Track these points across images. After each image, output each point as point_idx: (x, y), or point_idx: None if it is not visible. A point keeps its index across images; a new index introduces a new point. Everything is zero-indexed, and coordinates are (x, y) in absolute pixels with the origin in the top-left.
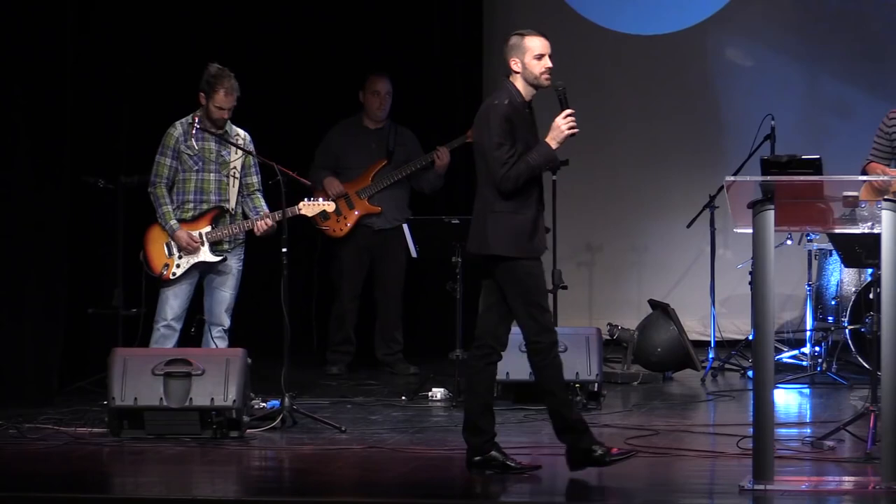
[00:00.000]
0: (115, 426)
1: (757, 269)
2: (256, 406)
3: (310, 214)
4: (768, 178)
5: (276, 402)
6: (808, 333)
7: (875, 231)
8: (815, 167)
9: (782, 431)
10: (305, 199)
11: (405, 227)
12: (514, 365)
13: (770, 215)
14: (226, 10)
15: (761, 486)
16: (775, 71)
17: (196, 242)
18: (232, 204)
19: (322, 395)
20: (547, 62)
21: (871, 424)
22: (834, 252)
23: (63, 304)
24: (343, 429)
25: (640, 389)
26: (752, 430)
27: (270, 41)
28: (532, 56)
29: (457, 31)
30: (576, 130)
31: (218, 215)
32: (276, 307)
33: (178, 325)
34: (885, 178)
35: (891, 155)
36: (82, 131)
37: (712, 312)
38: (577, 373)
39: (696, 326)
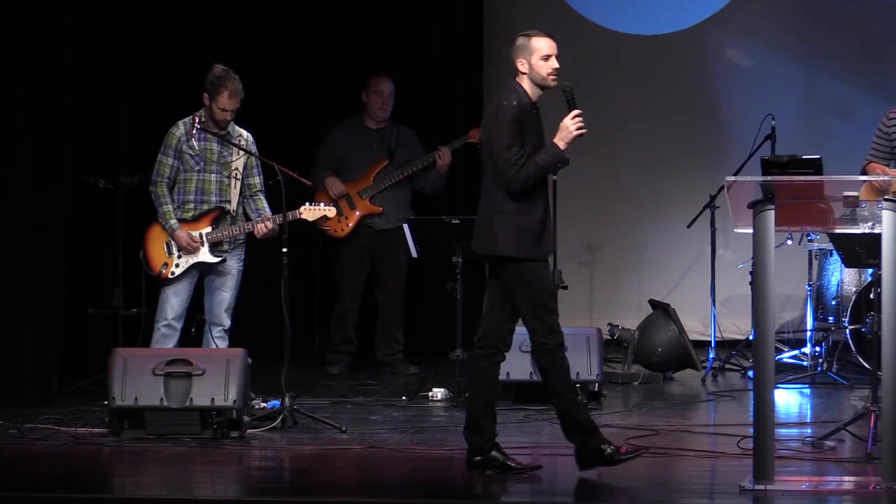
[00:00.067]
0: (116, 426)
1: (757, 269)
2: (257, 406)
3: (311, 219)
4: (769, 178)
5: (276, 402)
6: (809, 333)
7: (875, 231)
8: (816, 167)
9: (783, 431)
10: (307, 204)
11: (405, 227)
12: (515, 365)
13: (770, 215)
14: (226, 10)
15: (762, 487)
16: (775, 71)
17: (196, 243)
18: (233, 205)
19: (322, 395)
20: (554, 63)
21: (871, 424)
22: (834, 252)
23: (63, 304)
24: (343, 429)
25: (640, 389)
26: (752, 430)
27: (270, 41)
28: (539, 57)
29: (457, 31)
30: (584, 131)
31: (219, 216)
32: (276, 307)
33: (178, 325)
34: (886, 178)
35: (890, 155)
36: (82, 131)
37: (713, 312)
38: (578, 373)
39: (696, 326)
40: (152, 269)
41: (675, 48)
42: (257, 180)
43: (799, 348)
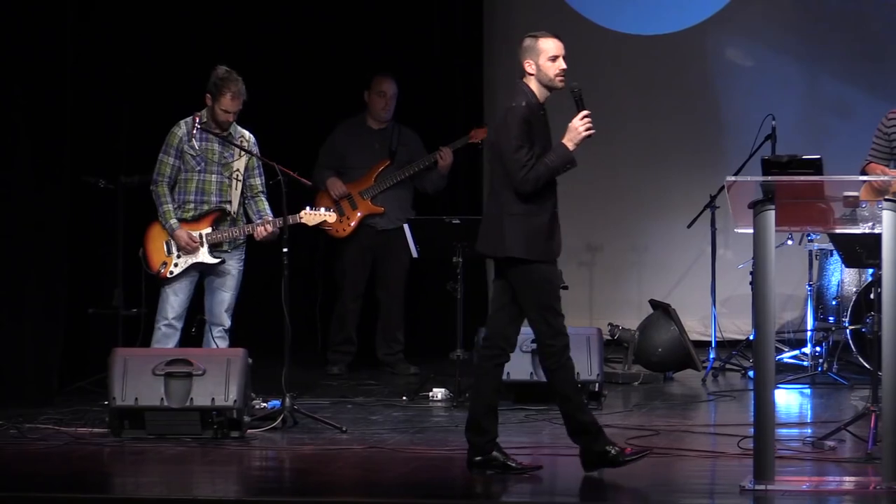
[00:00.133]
0: (116, 426)
1: (758, 269)
2: (257, 406)
3: (310, 224)
4: (769, 178)
5: (276, 403)
6: (809, 333)
7: (876, 231)
8: (816, 167)
9: (783, 431)
10: (307, 208)
11: (406, 227)
12: (515, 365)
13: (771, 215)
14: (226, 10)
15: (762, 487)
16: (775, 71)
17: (195, 243)
18: (234, 206)
19: (323, 395)
20: (561, 64)
21: (871, 424)
22: (835, 252)
23: (63, 304)
24: (344, 429)
25: (640, 389)
26: (752, 430)
27: (271, 41)
28: (546, 58)
29: (457, 31)
30: (592, 132)
31: (219, 217)
32: (277, 307)
33: (179, 325)
34: (886, 178)
35: (890, 155)
36: (82, 131)
37: (713, 312)
38: (578, 373)
39: (696, 326)
40: (151, 268)
41: (675, 48)
42: (258, 181)
43: (799, 348)
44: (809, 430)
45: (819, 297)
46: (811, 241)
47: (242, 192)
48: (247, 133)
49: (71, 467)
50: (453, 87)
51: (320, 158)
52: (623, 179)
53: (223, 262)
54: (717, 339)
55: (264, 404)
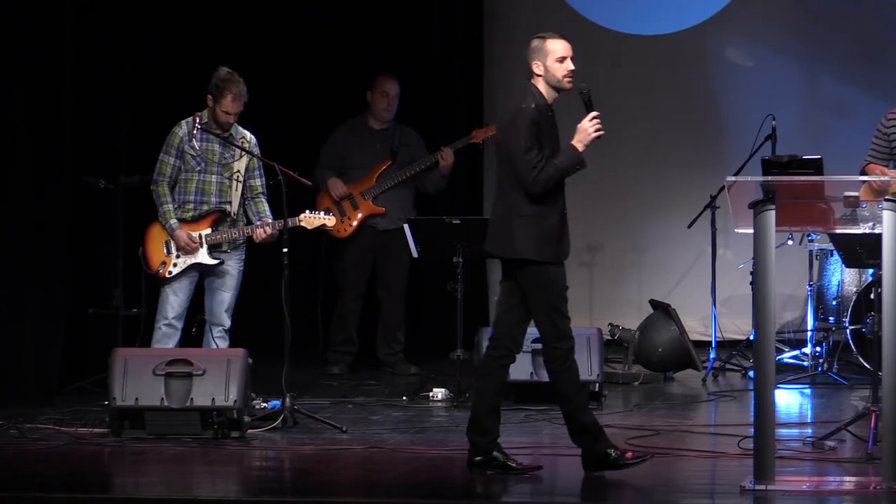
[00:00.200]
0: (116, 426)
1: (758, 269)
2: (257, 406)
3: (309, 227)
4: (769, 178)
5: (277, 403)
6: (809, 333)
7: (876, 231)
8: (816, 167)
9: (783, 432)
10: (307, 212)
11: (406, 227)
12: (516, 365)
13: (771, 215)
14: (226, 10)
15: (762, 487)
16: (775, 71)
17: (194, 243)
18: (234, 207)
19: (323, 396)
20: (569, 65)
21: (871, 425)
22: (835, 252)
23: (63, 304)
24: (344, 429)
25: (640, 389)
26: (752, 430)
27: (271, 41)
28: (554, 59)
29: (457, 31)
30: (601, 133)
31: (219, 218)
32: (277, 307)
33: (179, 324)
34: (885, 178)
35: (889, 156)
36: (82, 131)
37: (713, 312)
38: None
39: (696, 326)
40: (150, 267)
41: (675, 48)
42: (259, 182)
43: (799, 348)
44: (810, 431)
45: (819, 297)
46: (811, 241)
47: (242, 193)
48: (248, 134)
49: (71, 467)
50: (453, 87)
51: (321, 159)
52: (623, 179)
53: (222, 262)
54: (718, 339)
55: (264, 404)
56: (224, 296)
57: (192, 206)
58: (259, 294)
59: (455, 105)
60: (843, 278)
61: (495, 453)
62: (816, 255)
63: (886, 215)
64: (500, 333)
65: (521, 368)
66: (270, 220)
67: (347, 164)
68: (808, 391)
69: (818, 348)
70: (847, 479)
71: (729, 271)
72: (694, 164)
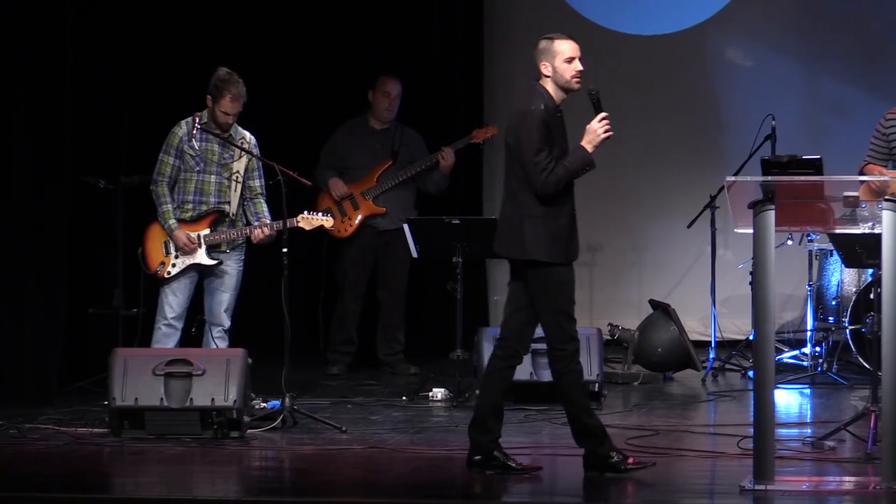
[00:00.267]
0: (116, 426)
1: (757, 269)
2: (257, 406)
3: (307, 228)
4: (769, 178)
5: (276, 403)
6: (809, 333)
7: (876, 231)
8: (816, 167)
9: (783, 432)
10: (305, 213)
11: (406, 227)
12: None
13: (771, 215)
14: (226, 10)
15: (762, 487)
16: (775, 71)
17: (193, 244)
18: (233, 207)
19: (322, 396)
20: (577, 65)
21: (871, 425)
22: (834, 252)
23: (63, 304)
24: (343, 429)
25: (640, 389)
26: (752, 430)
27: (271, 41)
28: (562, 60)
29: (457, 31)
30: (611, 134)
31: (217, 219)
32: (277, 307)
33: (178, 324)
34: (884, 178)
35: (888, 156)
36: (82, 131)
37: (713, 312)
38: None
39: (696, 326)
40: (149, 268)
41: (675, 48)
42: (258, 183)
43: (799, 348)
44: (809, 431)
45: (819, 297)
46: (811, 241)
47: (242, 194)
48: (247, 134)
49: (71, 467)
50: (454, 87)
51: (322, 159)
52: (623, 179)
53: (221, 262)
54: (717, 339)
55: (264, 404)
56: (223, 296)
57: (191, 206)
58: (259, 294)
59: (455, 105)
60: (843, 278)
61: (496, 453)
62: (816, 255)
63: (886, 215)
64: (509, 334)
65: (522, 368)
66: (269, 221)
67: (348, 164)
68: (807, 391)
69: (818, 348)
70: (846, 479)
71: (728, 271)
72: (694, 165)
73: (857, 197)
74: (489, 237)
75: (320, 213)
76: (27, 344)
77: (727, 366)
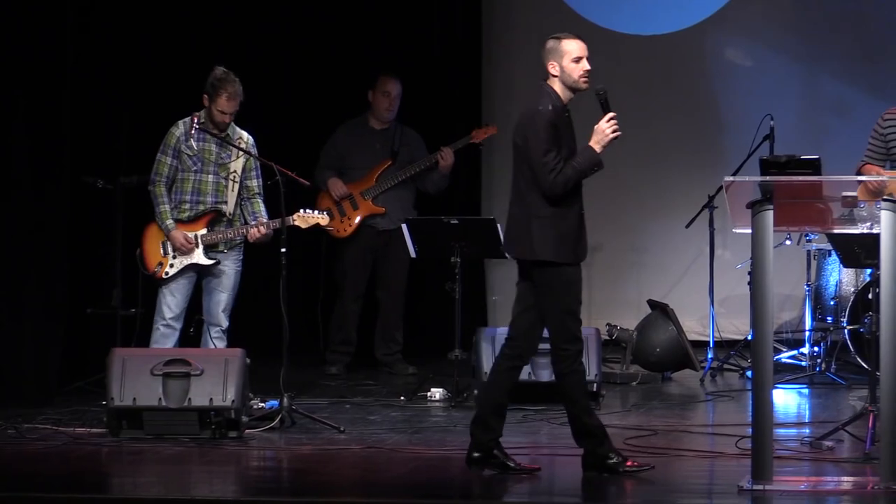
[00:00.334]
0: (114, 426)
1: (756, 269)
2: (255, 406)
3: (303, 226)
4: (767, 178)
5: (274, 403)
6: (807, 333)
7: (874, 231)
8: (815, 167)
9: (781, 432)
10: (301, 211)
11: (404, 227)
12: None
13: (769, 215)
14: (226, 11)
15: (760, 487)
16: (775, 71)
17: (190, 244)
18: (230, 207)
19: (321, 396)
20: (585, 65)
21: (869, 424)
22: (833, 252)
23: (63, 303)
24: (342, 429)
25: (638, 389)
26: (750, 430)
27: (270, 41)
28: (570, 59)
29: (457, 32)
30: (619, 133)
31: (214, 218)
32: (276, 307)
33: (177, 325)
34: (882, 178)
35: (885, 156)
36: (82, 131)
37: (711, 312)
38: None
39: (695, 326)
40: (147, 268)
41: (674, 48)
42: (255, 183)
43: (797, 348)
44: (807, 430)
45: (817, 297)
46: (809, 241)
47: (239, 194)
48: (245, 134)
49: (69, 467)
50: (453, 88)
51: (321, 159)
52: (622, 179)
53: (219, 262)
54: (716, 339)
55: (262, 404)
56: (221, 296)
57: (188, 206)
58: (258, 294)
59: (454, 105)
60: (841, 278)
61: (495, 451)
62: (814, 255)
63: (884, 215)
64: (518, 334)
65: None
66: (265, 220)
67: (348, 164)
68: (805, 391)
69: (816, 348)
70: (845, 479)
71: (727, 271)
72: (693, 165)
73: (855, 197)
74: (487, 237)
75: (316, 212)
76: (27, 344)
77: (725, 366)
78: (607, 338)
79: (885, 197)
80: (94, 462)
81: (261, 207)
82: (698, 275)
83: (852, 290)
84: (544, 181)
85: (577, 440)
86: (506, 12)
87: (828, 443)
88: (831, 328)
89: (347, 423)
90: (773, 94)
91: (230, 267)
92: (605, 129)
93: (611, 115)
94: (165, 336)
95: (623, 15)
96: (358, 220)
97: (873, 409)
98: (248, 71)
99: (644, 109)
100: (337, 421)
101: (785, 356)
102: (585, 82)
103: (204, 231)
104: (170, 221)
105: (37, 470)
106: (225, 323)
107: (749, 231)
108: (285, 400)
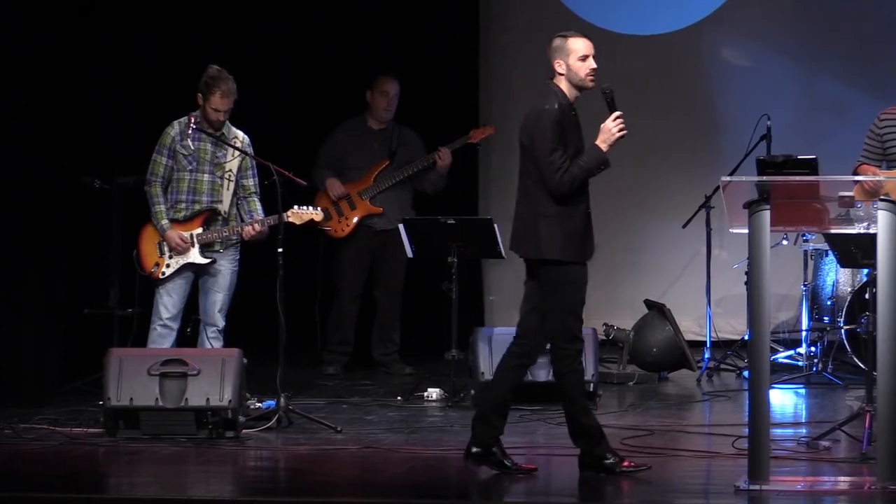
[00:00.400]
0: (111, 426)
1: (753, 269)
2: (252, 406)
3: (298, 223)
4: (764, 178)
5: (271, 403)
6: (804, 333)
7: (871, 231)
8: (812, 167)
9: (778, 432)
10: (295, 207)
11: (401, 227)
12: None
13: (766, 215)
14: (226, 10)
15: (757, 487)
16: (772, 71)
17: (186, 243)
18: (225, 206)
19: (318, 396)
20: (591, 63)
21: (866, 424)
22: (830, 252)
23: (63, 303)
24: (339, 429)
25: (635, 390)
26: (747, 430)
27: (270, 41)
28: (576, 58)
29: (456, 32)
30: (625, 132)
31: (210, 217)
32: (272, 307)
33: (174, 325)
34: (878, 178)
35: (881, 156)
36: (82, 131)
37: (708, 312)
38: None
39: (691, 326)
40: (143, 269)
41: (671, 48)
42: (251, 182)
43: (794, 348)
44: (804, 431)
45: (814, 297)
46: (806, 241)
47: (235, 193)
48: (240, 134)
49: (66, 467)
50: (452, 88)
51: (319, 159)
52: (619, 179)
53: (215, 262)
54: (712, 339)
55: (259, 404)
56: (217, 296)
57: (184, 205)
58: (255, 294)
59: (452, 105)
60: (838, 278)
61: (494, 449)
62: (811, 255)
63: (881, 215)
64: (526, 332)
65: None
66: (260, 218)
67: (346, 164)
68: (802, 391)
69: (813, 348)
70: (842, 479)
71: (724, 271)
72: (690, 164)
73: (852, 197)
74: (484, 237)
75: (310, 207)
76: (27, 344)
77: (722, 366)
78: (604, 338)
79: (881, 197)
80: (90, 462)
81: (257, 206)
82: (695, 275)
83: (849, 290)
84: (551, 180)
85: (574, 440)
86: (504, 13)
87: (824, 443)
88: (828, 328)
89: (344, 423)
90: (770, 93)
91: (226, 267)
92: (611, 127)
93: (617, 113)
94: (162, 336)
95: (620, 15)
96: (355, 220)
97: (870, 409)
98: (248, 71)
99: (641, 109)
100: (334, 421)
101: (782, 356)
102: (592, 81)
103: (199, 230)
104: (165, 221)
105: (33, 470)
106: (221, 323)
107: (746, 231)
108: (282, 400)
